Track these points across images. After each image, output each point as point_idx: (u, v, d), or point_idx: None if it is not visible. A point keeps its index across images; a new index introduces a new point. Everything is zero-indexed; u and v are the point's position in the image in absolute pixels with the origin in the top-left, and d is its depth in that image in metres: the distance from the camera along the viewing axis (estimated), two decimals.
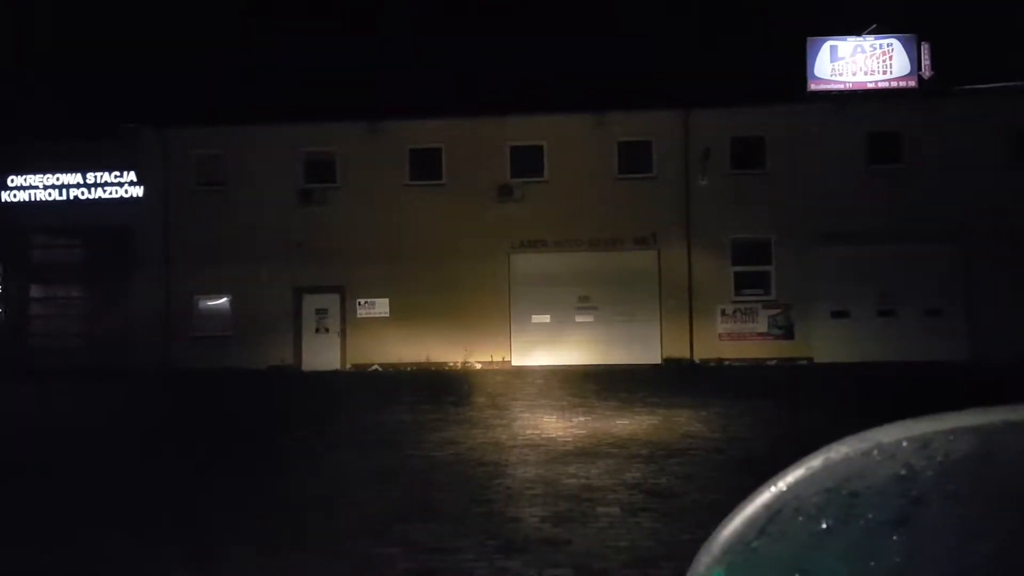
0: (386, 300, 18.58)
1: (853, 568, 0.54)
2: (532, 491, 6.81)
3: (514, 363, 18.09)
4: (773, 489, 0.56)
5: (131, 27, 25.05)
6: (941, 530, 0.54)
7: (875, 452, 0.55)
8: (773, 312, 18.03)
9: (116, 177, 19.24)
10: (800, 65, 18.24)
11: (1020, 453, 0.53)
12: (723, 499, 6.58)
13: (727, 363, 17.45)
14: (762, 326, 17.99)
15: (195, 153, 19.02)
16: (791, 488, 0.55)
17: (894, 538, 0.54)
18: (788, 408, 11.17)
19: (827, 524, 0.54)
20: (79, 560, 5.15)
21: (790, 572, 0.54)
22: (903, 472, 0.54)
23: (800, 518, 0.55)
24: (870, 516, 0.54)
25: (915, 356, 16.14)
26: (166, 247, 18.73)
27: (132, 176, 19.20)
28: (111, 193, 19.18)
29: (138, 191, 19.15)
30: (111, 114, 19.09)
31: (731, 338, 17.97)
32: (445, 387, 14.06)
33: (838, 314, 17.91)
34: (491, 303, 18.24)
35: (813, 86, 18.28)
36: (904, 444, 0.55)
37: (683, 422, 10.19)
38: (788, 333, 17.89)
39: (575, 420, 10.62)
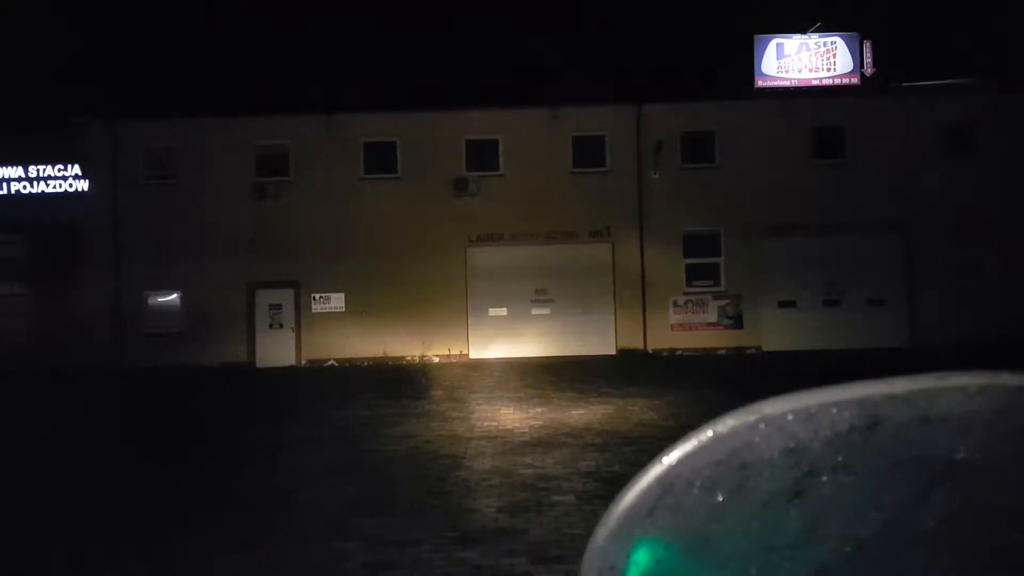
0: (341, 295, 18.48)
1: (753, 539, 0.56)
2: (489, 482, 6.96)
3: (472, 356, 18.21)
4: (665, 462, 0.55)
5: (80, 18, 24.26)
6: (835, 501, 0.55)
7: (761, 425, 0.55)
8: (723, 303, 18.51)
9: (60, 171, 18.68)
10: (748, 62, 18.70)
11: (902, 425, 0.55)
12: None
13: (679, 353, 17.87)
14: (712, 316, 18.46)
15: (145, 146, 18.58)
16: (682, 461, 0.55)
17: (790, 510, 0.55)
18: (737, 395, 11.44)
19: (722, 496, 0.55)
20: (35, 561, 5.11)
21: (689, 544, 0.56)
22: (791, 444, 0.55)
23: (694, 491, 0.55)
24: (764, 488, 0.55)
25: (859, 344, 16.76)
26: (115, 243, 18.29)
27: (76, 170, 18.66)
28: (55, 187, 18.62)
29: (83, 185, 18.63)
30: (57, 107, 18.50)
31: (683, 328, 18.40)
32: (402, 381, 14.11)
33: (785, 304, 18.49)
34: (448, 297, 18.30)
35: (760, 83, 18.76)
36: (790, 417, 0.55)
37: (637, 411, 10.46)
38: (737, 323, 18.40)
39: (531, 411, 10.80)
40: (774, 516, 0.56)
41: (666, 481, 0.56)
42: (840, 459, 0.55)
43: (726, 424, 0.55)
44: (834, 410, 0.55)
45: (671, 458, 0.56)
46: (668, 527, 0.56)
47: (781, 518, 0.56)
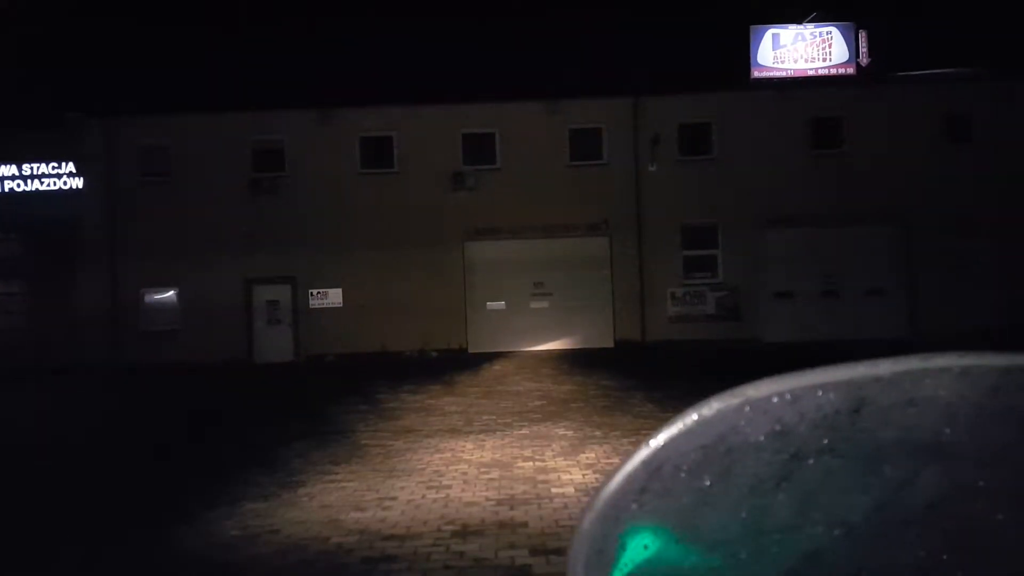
0: (339, 290, 18.44)
1: (743, 523, 0.55)
2: (488, 475, 6.95)
3: (470, 350, 18.19)
4: (651, 445, 0.54)
5: (74, 15, 24.11)
6: (822, 484, 0.55)
7: (747, 408, 0.54)
8: (720, 295, 18.49)
9: (54, 168, 18.60)
10: (744, 53, 18.64)
11: (888, 406, 0.54)
12: None
13: (677, 345, 17.86)
14: (710, 308, 18.45)
15: (139, 143, 18.49)
16: (668, 445, 0.54)
17: (778, 494, 0.55)
18: (734, 386, 11.52)
19: (709, 481, 0.54)
20: (36, 561, 5.09)
21: (678, 529, 0.55)
22: (777, 428, 0.54)
23: (681, 475, 0.54)
24: (751, 471, 0.55)
25: (857, 334, 16.76)
26: (111, 240, 18.22)
27: (71, 167, 18.59)
28: (49, 185, 18.54)
29: (78, 183, 18.55)
30: (51, 104, 18.41)
31: (680, 320, 18.39)
32: (401, 376, 14.09)
33: (783, 295, 18.47)
34: (446, 291, 18.27)
35: (756, 73, 18.71)
36: (775, 399, 0.55)
37: (636, 403, 10.45)
38: (735, 315, 18.39)
39: (530, 405, 10.79)
40: (762, 500, 0.55)
41: (653, 465, 0.55)
42: (826, 442, 0.55)
43: (711, 407, 0.55)
44: (819, 392, 0.55)
45: (657, 442, 0.55)
46: (657, 512, 0.55)
47: (769, 502, 0.55)
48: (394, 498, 6.29)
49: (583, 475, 6.85)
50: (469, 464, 7.41)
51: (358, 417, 10.19)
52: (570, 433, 8.67)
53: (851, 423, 0.54)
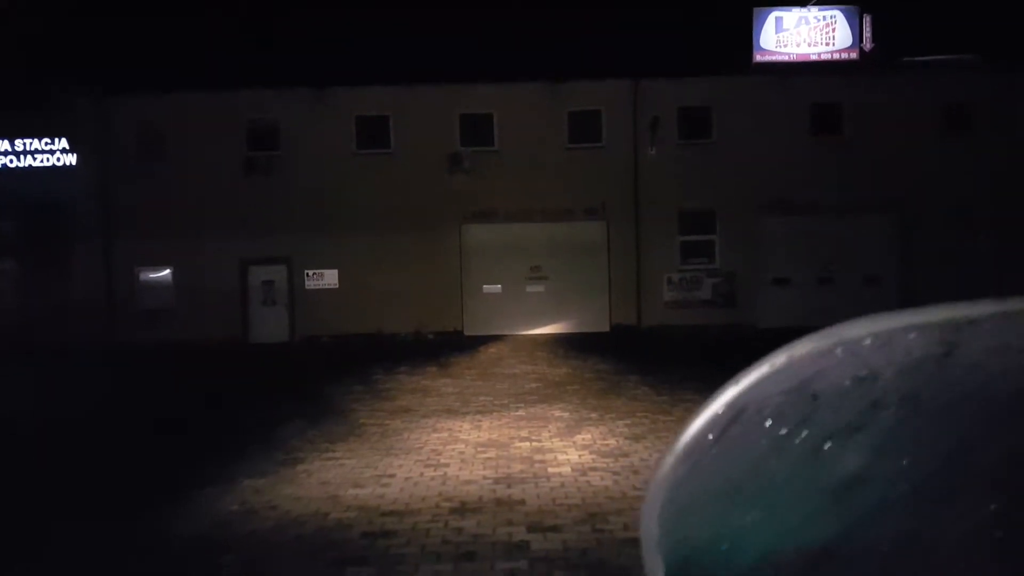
0: (335, 271, 18.37)
1: (811, 474, 0.54)
2: (485, 455, 6.96)
3: (466, 333, 18.17)
4: (736, 389, 0.53)
5: None
6: (898, 434, 0.53)
7: (838, 350, 0.52)
8: (716, 280, 18.49)
9: (47, 144, 18.41)
10: (747, 36, 18.51)
11: (980, 351, 0.52)
12: None
13: (672, 330, 17.88)
14: (706, 294, 18.45)
15: (134, 121, 18.28)
16: (753, 388, 0.52)
17: (851, 443, 0.53)
18: (729, 371, 11.53)
19: (787, 428, 0.53)
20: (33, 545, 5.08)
21: (749, 476, 0.54)
22: (864, 373, 0.52)
23: (762, 420, 0.53)
24: (828, 420, 0.53)
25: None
26: (105, 218, 18.08)
27: (64, 143, 18.40)
28: (42, 161, 18.36)
29: (71, 159, 18.37)
30: (43, 81, 18.15)
31: (677, 306, 18.39)
32: (397, 357, 14.07)
33: (779, 281, 18.49)
34: (442, 274, 18.22)
35: (759, 57, 18.58)
36: (867, 342, 0.53)
37: (631, 386, 10.47)
38: (731, 301, 18.40)
39: (527, 387, 10.80)
40: (834, 450, 0.53)
41: (736, 407, 0.53)
42: (910, 389, 0.52)
43: (803, 347, 0.53)
44: (912, 335, 0.52)
45: (743, 384, 0.53)
46: (728, 457, 0.54)
47: (841, 452, 0.53)
48: (392, 476, 6.29)
49: (579, 455, 6.86)
50: (466, 444, 7.41)
51: (355, 397, 10.18)
52: (566, 415, 8.68)
53: (939, 369, 0.52)
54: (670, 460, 0.54)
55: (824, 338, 0.53)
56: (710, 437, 0.54)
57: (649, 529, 0.55)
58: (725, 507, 0.55)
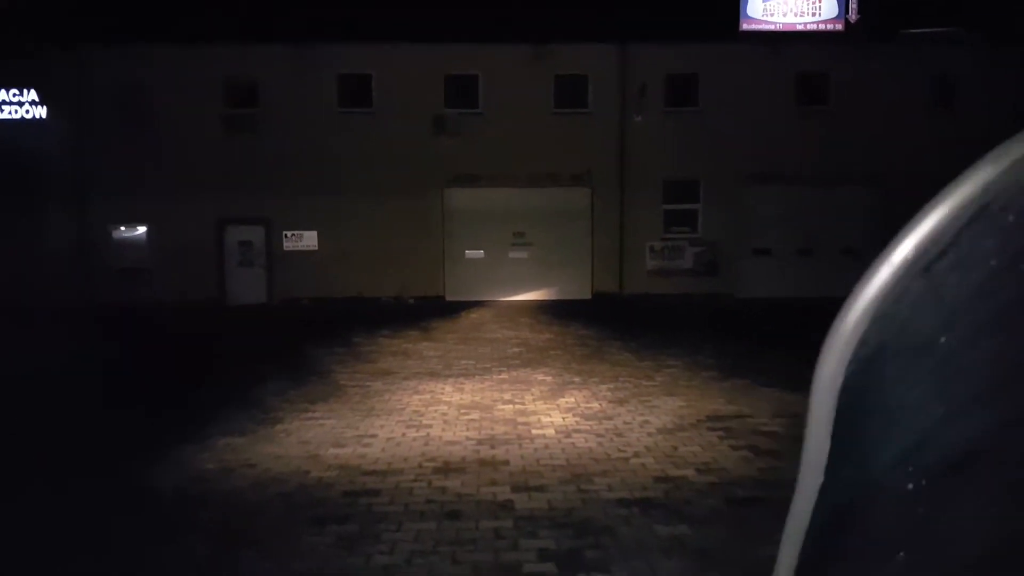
0: (314, 233, 18.07)
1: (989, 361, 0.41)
2: (468, 416, 6.90)
3: (448, 298, 18.05)
4: (981, 176, 0.41)
5: None
6: None
7: None
8: (699, 250, 18.50)
9: (15, 96, 17.77)
10: (734, 3, 18.27)
11: None
12: (653, 420, 6.82)
13: (654, 298, 17.91)
14: (688, 263, 18.46)
15: (109, 74, 17.67)
16: (999, 179, 0.40)
17: None
18: (710, 339, 11.56)
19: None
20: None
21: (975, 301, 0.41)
22: None
23: (1008, 217, 0.40)
24: None
25: (828, 292, 16.85)
26: (78, 174, 17.56)
27: (33, 95, 17.77)
28: (10, 114, 17.73)
29: (41, 111, 17.77)
30: (13, 31, 17.42)
31: (659, 274, 18.40)
32: (378, 321, 13.94)
33: (760, 252, 18.55)
34: (424, 237, 18.00)
35: (745, 25, 18.37)
36: None
37: (613, 351, 10.45)
38: (712, 270, 18.44)
39: (509, 351, 10.74)
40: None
41: (979, 202, 0.40)
42: None
43: None
44: None
45: (992, 169, 0.39)
46: (972, 257, 0.40)
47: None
48: (374, 436, 6.22)
49: (563, 418, 6.83)
50: (449, 405, 7.35)
51: (335, 359, 10.05)
52: (549, 379, 8.64)
53: None
54: (909, 246, 0.42)
55: None
56: (950, 233, 0.41)
57: (829, 373, 0.42)
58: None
